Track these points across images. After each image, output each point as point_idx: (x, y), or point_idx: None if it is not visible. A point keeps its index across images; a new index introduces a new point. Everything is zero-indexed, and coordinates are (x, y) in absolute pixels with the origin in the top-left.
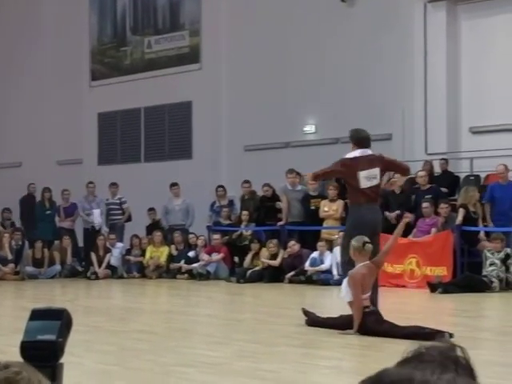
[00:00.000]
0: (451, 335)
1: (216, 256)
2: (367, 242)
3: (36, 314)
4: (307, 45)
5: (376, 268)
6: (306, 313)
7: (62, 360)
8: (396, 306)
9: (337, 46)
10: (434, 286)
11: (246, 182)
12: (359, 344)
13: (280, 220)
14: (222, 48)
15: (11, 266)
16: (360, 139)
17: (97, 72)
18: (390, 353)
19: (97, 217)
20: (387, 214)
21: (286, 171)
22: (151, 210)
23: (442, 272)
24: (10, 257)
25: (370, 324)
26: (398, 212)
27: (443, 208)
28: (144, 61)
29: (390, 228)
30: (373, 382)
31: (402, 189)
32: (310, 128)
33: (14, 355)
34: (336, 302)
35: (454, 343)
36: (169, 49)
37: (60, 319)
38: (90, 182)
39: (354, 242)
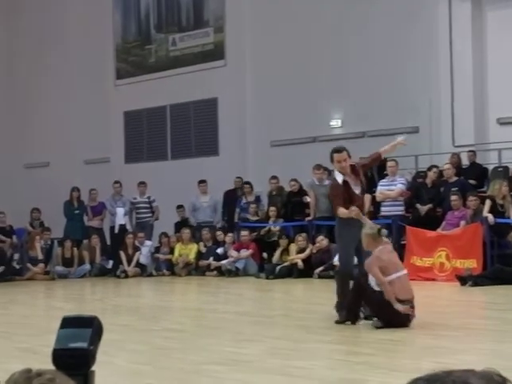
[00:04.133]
0: None
1: (245, 252)
2: (381, 229)
3: (67, 322)
4: (331, 38)
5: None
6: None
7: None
8: (426, 299)
9: (361, 39)
10: (464, 279)
11: (274, 177)
12: (390, 339)
13: (308, 215)
14: (247, 44)
15: (41, 265)
16: None
17: (122, 70)
18: (421, 348)
19: (120, 216)
20: (418, 206)
21: (313, 167)
22: (180, 207)
23: (472, 264)
24: (40, 256)
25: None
26: (429, 205)
27: (472, 200)
28: (169, 58)
29: (420, 221)
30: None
31: (433, 182)
32: (336, 122)
33: (47, 356)
34: None
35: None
36: (193, 46)
37: (91, 327)
38: (116, 182)
39: (367, 230)
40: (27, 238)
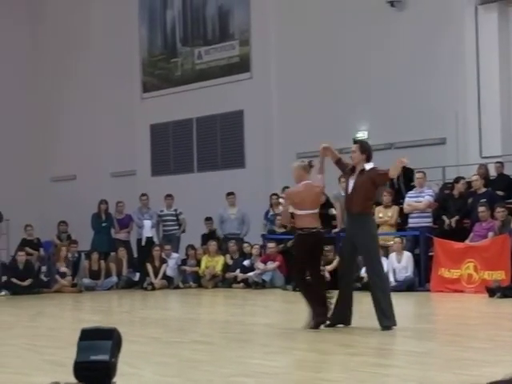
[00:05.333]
0: None
1: (271, 264)
2: (311, 161)
3: (86, 334)
4: (357, 50)
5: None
6: None
7: (121, 372)
8: (455, 311)
9: (387, 51)
10: (492, 291)
11: None
12: (418, 351)
13: (335, 227)
14: (272, 56)
15: (68, 278)
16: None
17: (148, 84)
18: (449, 360)
19: (147, 229)
20: (444, 218)
21: (339, 177)
22: (208, 219)
23: (501, 276)
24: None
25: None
26: (456, 217)
27: (499, 212)
28: (195, 71)
29: (446, 233)
30: None
31: (460, 193)
32: (362, 134)
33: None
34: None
35: None
36: (219, 59)
37: (111, 339)
38: (143, 194)
39: (299, 163)
40: (54, 251)
